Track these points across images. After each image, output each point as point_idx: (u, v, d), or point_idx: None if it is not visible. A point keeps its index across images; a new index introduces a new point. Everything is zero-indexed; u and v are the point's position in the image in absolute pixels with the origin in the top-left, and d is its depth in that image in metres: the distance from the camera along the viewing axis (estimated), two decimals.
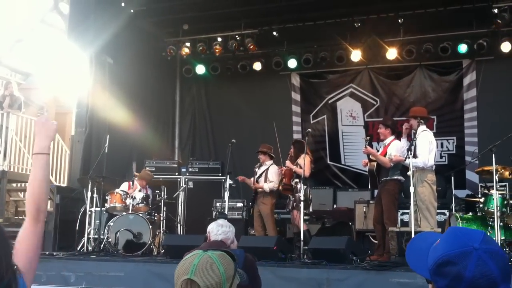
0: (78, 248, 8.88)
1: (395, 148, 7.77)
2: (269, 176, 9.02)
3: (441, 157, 11.25)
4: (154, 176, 10.39)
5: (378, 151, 8.30)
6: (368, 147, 8.12)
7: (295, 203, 8.58)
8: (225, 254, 1.94)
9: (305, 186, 8.38)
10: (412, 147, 7.30)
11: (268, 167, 9.13)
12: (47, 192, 2.08)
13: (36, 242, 1.97)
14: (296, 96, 12.40)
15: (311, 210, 8.86)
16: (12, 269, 1.63)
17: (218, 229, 4.62)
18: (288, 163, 8.74)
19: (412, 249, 1.58)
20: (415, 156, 7.24)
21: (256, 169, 9.30)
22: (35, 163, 2.07)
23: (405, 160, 7.29)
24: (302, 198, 8.09)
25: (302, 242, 7.70)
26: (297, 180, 8.58)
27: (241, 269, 3.83)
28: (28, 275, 1.86)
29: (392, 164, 7.64)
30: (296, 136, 11.67)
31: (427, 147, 7.34)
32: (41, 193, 2.02)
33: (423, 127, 7.55)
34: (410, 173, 7.11)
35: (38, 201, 2.01)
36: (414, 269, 1.54)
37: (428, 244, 1.52)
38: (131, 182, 9.71)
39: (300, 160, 8.54)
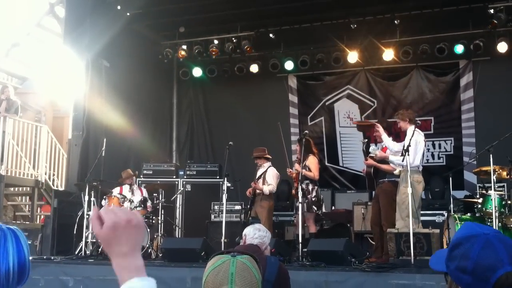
0: (76, 252, 8.85)
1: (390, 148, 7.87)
2: (267, 178, 8.98)
3: (439, 158, 11.26)
4: (152, 179, 10.35)
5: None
6: (370, 159, 8.10)
7: (307, 205, 8.36)
8: (252, 258, 1.92)
9: (316, 187, 8.38)
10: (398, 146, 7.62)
11: (266, 169, 9.09)
12: None
13: None
14: (293, 98, 12.39)
15: (324, 210, 8.85)
16: None
17: (255, 233, 4.43)
18: (297, 166, 8.50)
19: (434, 256, 1.63)
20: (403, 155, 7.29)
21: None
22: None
23: (401, 158, 7.29)
24: (314, 199, 8.22)
25: (301, 244, 7.68)
26: (307, 181, 8.46)
27: (274, 279, 3.81)
28: None
29: (394, 168, 7.68)
30: (294, 138, 11.65)
31: (414, 147, 7.33)
32: None
33: (412, 128, 7.53)
34: (396, 172, 7.40)
35: None
36: (436, 269, 1.57)
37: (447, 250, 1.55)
38: (123, 187, 9.62)
39: (308, 162, 8.50)
